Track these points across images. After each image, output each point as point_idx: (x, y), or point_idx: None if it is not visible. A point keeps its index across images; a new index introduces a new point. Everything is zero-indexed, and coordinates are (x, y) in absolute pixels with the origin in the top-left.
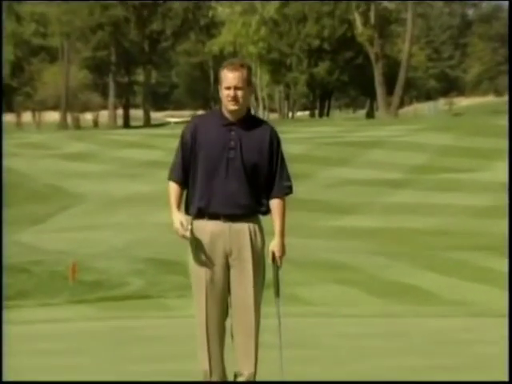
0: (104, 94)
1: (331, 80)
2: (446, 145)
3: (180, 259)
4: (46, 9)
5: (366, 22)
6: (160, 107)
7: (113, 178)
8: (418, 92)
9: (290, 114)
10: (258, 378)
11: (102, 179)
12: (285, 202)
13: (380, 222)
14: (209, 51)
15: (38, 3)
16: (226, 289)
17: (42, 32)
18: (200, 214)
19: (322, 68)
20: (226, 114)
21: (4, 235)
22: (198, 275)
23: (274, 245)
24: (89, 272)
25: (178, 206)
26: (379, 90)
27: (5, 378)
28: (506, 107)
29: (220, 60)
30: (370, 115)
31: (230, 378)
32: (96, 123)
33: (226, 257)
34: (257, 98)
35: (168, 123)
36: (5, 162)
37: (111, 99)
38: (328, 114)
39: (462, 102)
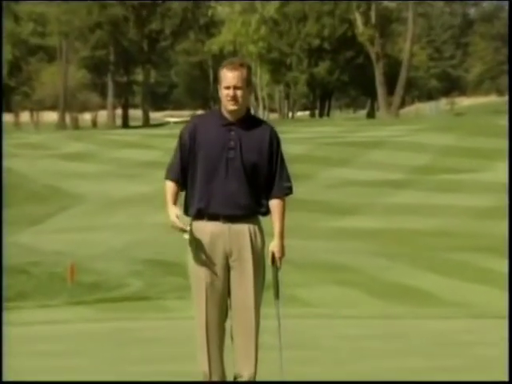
0: (103, 93)
1: (331, 80)
2: (448, 145)
3: (179, 260)
4: (46, 9)
5: (366, 22)
6: (159, 107)
7: (111, 178)
8: (419, 92)
9: (290, 114)
10: (258, 379)
11: (101, 179)
12: (285, 202)
13: (381, 223)
14: (208, 50)
15: (37, 3)
16: (226, 290)
17: (40, 31)
18: (199, 215)
19: (322, 68)
20: (226, 114)
21: (3, 236)
22: (198, 276)
23: (273, 246)
24: (87, 273)
25: (175, 203)
26: (380, 90)
27: (5, 379)
28: (506, 107)
29: (219, 59)
30: (371, 115)
31: (230, 380)
32: (95, 123)
33: (226, 258)
34: (257, 98)
35: (167, 123)
36: (4, 163)
37: (110, 99)
38: (328, 114)
39: (464, 101)
